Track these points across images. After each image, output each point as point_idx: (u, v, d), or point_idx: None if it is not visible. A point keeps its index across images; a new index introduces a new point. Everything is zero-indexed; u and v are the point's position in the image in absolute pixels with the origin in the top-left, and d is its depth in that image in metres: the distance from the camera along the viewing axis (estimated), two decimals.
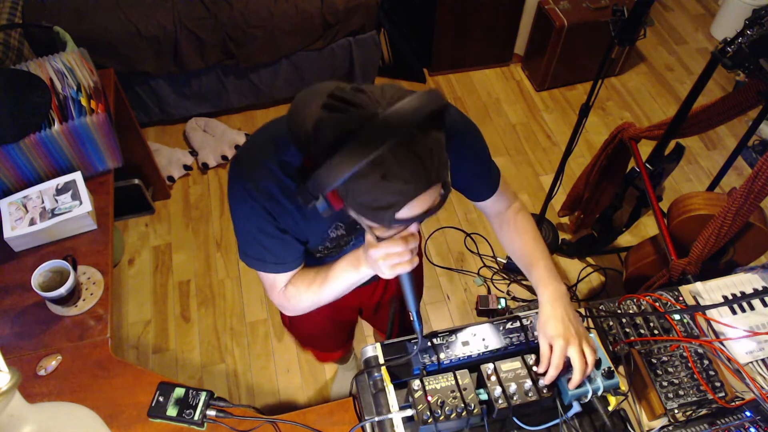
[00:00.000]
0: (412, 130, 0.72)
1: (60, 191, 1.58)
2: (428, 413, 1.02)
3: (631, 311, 1.32)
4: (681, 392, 1.17)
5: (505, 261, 2.59)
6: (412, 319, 1.04)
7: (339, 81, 0.82)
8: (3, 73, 1.66)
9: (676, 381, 1.19)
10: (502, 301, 2.42)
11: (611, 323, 1.30)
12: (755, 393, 1.18)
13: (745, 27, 1.56)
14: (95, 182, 1.72)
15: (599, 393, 1.09)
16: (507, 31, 3.32)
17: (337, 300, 1.10)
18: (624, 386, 1.19)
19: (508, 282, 2.55)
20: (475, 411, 1.03)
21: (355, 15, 2.83)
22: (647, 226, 2.75)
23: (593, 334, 1.13)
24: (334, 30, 2.85)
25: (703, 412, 1.17)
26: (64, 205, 1.55)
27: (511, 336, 1.18)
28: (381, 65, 3.35)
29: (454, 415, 1.03)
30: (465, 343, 1.16)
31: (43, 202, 1.55)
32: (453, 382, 1.06)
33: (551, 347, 1.06)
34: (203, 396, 1.19)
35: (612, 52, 1.85)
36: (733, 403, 1.17)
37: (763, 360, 1.25)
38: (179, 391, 1.20)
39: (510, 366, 1.10)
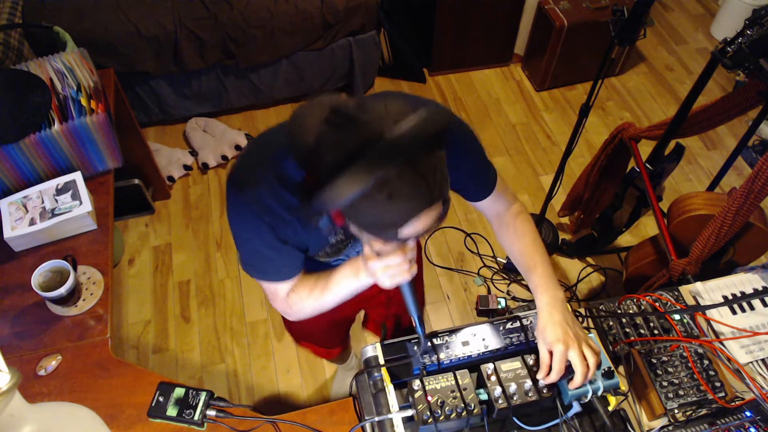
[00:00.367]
0: (417, 151, 0.73)
1: (60, 191, 1.58)
2: (428, 413, 1.02)
3: (631, 311, 1.32)
4: (681, 392, 1.17)
5: (505, 261, 2.59)
6: (414, 324, 1.04)
7: (337, 92, 0.81)
8: (3, 73, 1.66)
9: (676, 381, 1.19)
10: (502, 301, 2.42)
11: (611, 323, 1.30)
12: (755, 393, 1.18)
13: (745, 27, 1.56)
14: (95, 182, 1.72)
15: (599, 393, 1.09)
16: (507, 31, 3.32)
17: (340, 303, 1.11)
18: (624, 386, 1.19)
19: (508, 282, 2.55)
20: (475, 411, 1.03)
21: (355, 15, 2.83)
22: (647, 226, 2.75)
23: (593, 335, 1.13)
24: (334, 30, 2.86)
25: (703, 412, 1.17)
26: (64, 205, 1.55)
27: (511, 336, 1.18)
28: (381, 65, 3.35)
29: (454, 415, 1.03)
30: (465, 343, 1.16)
31: (43, 202, 1.55)
32: (453, 382, 1.06)
33: (551, 353, 1.06)
34: (203, 396, 1.19)
35: (612, 52, 1.85)
36: (733, 403, 1.18)
37: (763, 360, 1.25)
38: (179, 391, 1.20)
39: (510, 366, 1.10)
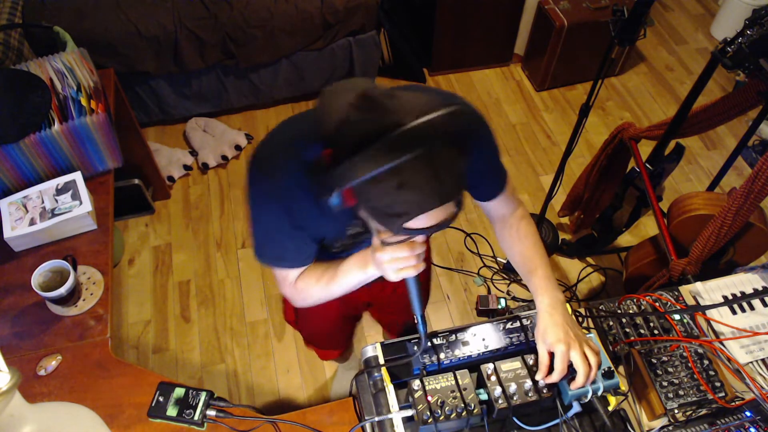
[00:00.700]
0: (435, 146, 0.73)
1: (60, 191, 1.58)
2: (428, 413, 1.02)
3: (631, 311, 1.32)
4: (681, 392, 1.17)
5: (505, 261, 2.59)
6: (416, 322, 1.04)
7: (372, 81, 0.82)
8: (3, 73, 1.66)
9: (676, 381, 1.19)
10: (502, 301, 2.42)
11: (611, 323, 1.30)
12: (755, 393, 1.18)
13: (745, 27, 1.56)
14: (95, 182, 1.72)
15: (599, 393, 1.09)
16: (507, 31, 3.32)
17: (347, 293, 1.12)
18: (624, 386, 1.19)
19: (508, 282, 2.55)
20: (475, 411, 1.03)
21: (355, 15, 2.83)
22: (647, 226, 2.75)
23: (593, 335, 1.13)
24: (334, 30, 2.86)
25: (703, 412, 1.17)
26: (64, 205, 1.55)
27: (511, 336, 1.18)
28: (381, 65, 3.35)
29: (454, 415, 1.03)
30: (465, 343, 1.16)
31: (43, 202, 1.55)
32: (453, 382, 1.06)
33: (551, 355, 1.06)
34: (203, 396, 1.19)
35: (612, 52, 1.85)
36: (733, 403, 1.18)
37: (763, 360, 1.25)
38: (179, 391, 1.20)
39: (510, 366, 1.10)
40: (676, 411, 1.16)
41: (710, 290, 1.37)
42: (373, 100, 0.76)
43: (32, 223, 1.51)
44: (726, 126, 3.06)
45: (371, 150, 0.72)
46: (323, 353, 2.01)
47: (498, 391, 1.06)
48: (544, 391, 1.07)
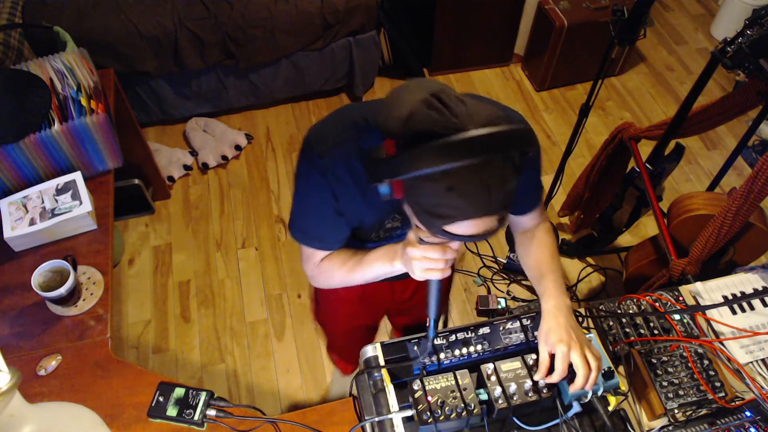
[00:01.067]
0: (493, 159, 0.75)
1: (60, 191, 1.58)
2: (428, 413, 1.02)
3: (631, 311, 1.32)
4: (681, 392, 1.17)
5: (505, 261, 2.59)
6: (428, 325, 1.05)
7: (446, 86, 0.85)
8: (3, 73, 1.66)
9: (676, 381, 1.19)
10: (502, 301, 2.42)
11: (611, 323, 1.30)
12: (755, 393, 1.18)
13: (745, 27, 1.56)
14: (95, 182, 1.72)
15: (599, 393, 1.09)
16: (507, 31, 3.31)
17: (369, 285, 1.14)
18: (624, 386, 1.19)
19: (508, 282, 2.55)
20: (475, 411, 1.03)
21: (355, 15, 2.83)
22: (647, 226, 2.75)
23: (593, 335, 1.13)
24: (334, 30, 2.85)
25: (703, 412, 1.17)
26: (64, 205, 1.55)
27: (511, 336, 1.18)
28: (381, 65, 3.35)
29: (454, 415, 1.03)
30: (465, 343, 1.16)
31: (43, 202, 1.55)
32: (453, 382, 1.07)
33: (551, 356, 1.06)
34: (203, 396, 1.19)
35: (612, 52, 1.85)
36: (733, 403, 1.18)
37: (763, 360, 1.25)
38: (179, 391, 1.20)
39: (510, 366, 1.10)
40: (676, 411, 1.16)
41: (710, 290, 1.37)
42: (444, 102, 0.78)
43: (32, 223, 1.51)
44: (726, 126, 3.06)
45: (431, 148, 0.74)
46: (344, 366, 2.02)
47: (498, 391, 1.06)
48: (544, 392, 1.07)
